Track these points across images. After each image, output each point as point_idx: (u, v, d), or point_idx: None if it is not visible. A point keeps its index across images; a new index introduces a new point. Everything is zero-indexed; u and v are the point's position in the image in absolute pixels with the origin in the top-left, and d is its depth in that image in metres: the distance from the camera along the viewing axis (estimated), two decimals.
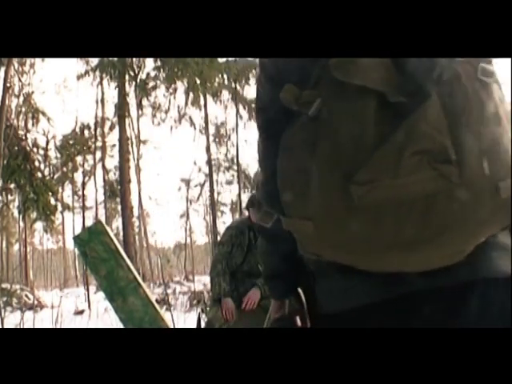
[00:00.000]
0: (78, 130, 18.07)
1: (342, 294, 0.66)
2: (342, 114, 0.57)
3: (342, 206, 0.55)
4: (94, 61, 14.21)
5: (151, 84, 15.10)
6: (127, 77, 14.17)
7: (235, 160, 16.00)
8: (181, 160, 34.66)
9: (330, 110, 0.58)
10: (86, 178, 19.90)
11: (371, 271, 0.59)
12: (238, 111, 15.16)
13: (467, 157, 0.52)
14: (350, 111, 0.56)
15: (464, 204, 0.52)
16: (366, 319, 0.66)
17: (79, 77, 15.04)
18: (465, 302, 0.61)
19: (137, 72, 14.40)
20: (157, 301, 4.57)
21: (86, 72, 14.80)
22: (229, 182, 21.76)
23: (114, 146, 18.83)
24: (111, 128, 18.05)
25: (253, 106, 17.07)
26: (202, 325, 2.89)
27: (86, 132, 18.21)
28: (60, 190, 18.80)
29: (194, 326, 3.13)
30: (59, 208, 14.51)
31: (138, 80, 14.53)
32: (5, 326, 3.01)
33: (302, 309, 0.84)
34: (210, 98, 15.44)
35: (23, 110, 14.27)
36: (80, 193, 20.45)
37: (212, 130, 18.26)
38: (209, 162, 15.15)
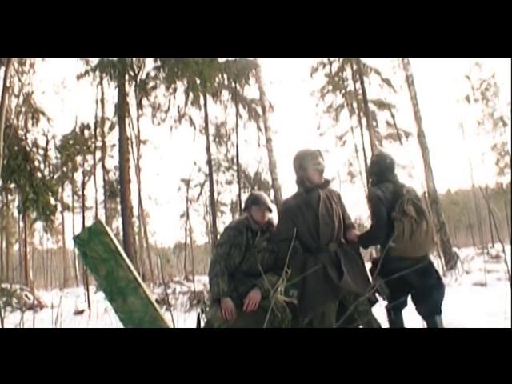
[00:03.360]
0: (77, 129, 18.05)
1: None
2: (413, 220, 2.77)
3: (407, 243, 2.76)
4: (94, 61, 14.19)
5: (151, 84, 15.06)
6: (127, 77, 14.12)
7: (235, 160, 15.97)
8: (181, 160, 34.72)
9: (410, 223, 2.76)
10: (86, 178, 19.88)
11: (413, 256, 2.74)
12: (237, 111, 15.10)
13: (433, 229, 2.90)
14: (414, 223, 2.79)
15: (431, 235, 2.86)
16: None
17: (79, 77, 14.99)
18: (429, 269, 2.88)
19: (137, 72, 14.36)
20: (157, 301, 4.55)
21: (86, 72, 14.75)
22: (229, 182, 21.75)
23: (113, 146, 18.83)
24: (111, 128, 18.03)
25: (253, 105, 17.07)
26: (202, 325, 2.88)
27: (86, 132, 18.19)
28: (60, 190, 18.80)
29: (194, 326, 3.13)
30: (59, 208, 14.50)
31: (138, 80, 14.50)
32: (5, 326, 3.00)
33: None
34: (209, 98, 15.42)
35: (23, 109, 14.26)
36: (80, 193, 20.42)
37: (212, 129, 18.25)
38: (209, 162, 15.09)
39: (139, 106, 16.06)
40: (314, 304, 2.54)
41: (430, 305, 2.76)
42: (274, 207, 3.06)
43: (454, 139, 38.17)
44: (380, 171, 2.97)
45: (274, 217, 3.02)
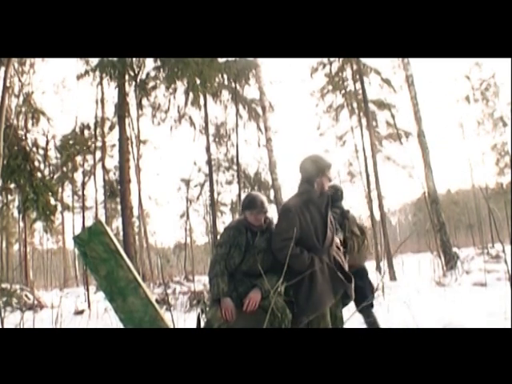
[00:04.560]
0: (77, 130, 18.05)
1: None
2: (359, 239, 3.82)
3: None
4: (94, 61, 14.17)
5: (151, 84, 15.05)
6: (127, 77, 14.10)
7: (235, 160, 15.97)
8: (181, 160, 34.72)
9: (357, 241, 3.77)
10: (86, 178, 19.87)
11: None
12: (237, 111, 15.10)
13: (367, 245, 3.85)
14: (360, 241, 3.84)
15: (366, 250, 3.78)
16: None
17: (79, 77, 14.96)
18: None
19: (137, 72, 14.34)
20: (157, 301, 4.54)
21: (86, 72, 14.72)
22: (229, 182, 21.75)
23: (113, 146, 18.84)
24: (111, 128, 18.02)
25: (253, 105, 17.06)
26: (202, 325, 2.88)
27: (86, 132, 18.18)
28: (60, 190, 18.80)
29: (194, 326, 3.13)
30: (59, 208, 14.50)
31: (138, 80, 14.49)
32: (5, 326, 3.00)
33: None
34: (209, 98, 15.41)
35: (23, 110, 14.26)
36: (80, 193, 20.42)
37: (212, 130, 18.26)
38: (209, 162, 15.08)
39: (139, 106, 16.06)
40: (322, 303, 2.62)
41: (369, 299, 3.61)
42: (272, 207, 3.07)
43: (454, 139, 38.22)
44: (332, 200, 3.90)
45: (274, 217, 3.01)
